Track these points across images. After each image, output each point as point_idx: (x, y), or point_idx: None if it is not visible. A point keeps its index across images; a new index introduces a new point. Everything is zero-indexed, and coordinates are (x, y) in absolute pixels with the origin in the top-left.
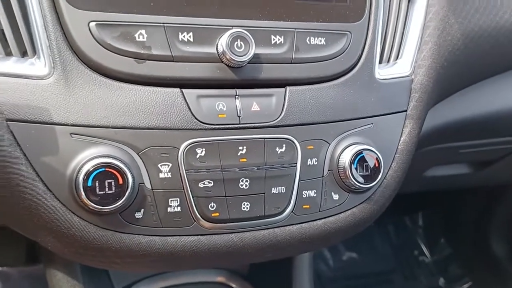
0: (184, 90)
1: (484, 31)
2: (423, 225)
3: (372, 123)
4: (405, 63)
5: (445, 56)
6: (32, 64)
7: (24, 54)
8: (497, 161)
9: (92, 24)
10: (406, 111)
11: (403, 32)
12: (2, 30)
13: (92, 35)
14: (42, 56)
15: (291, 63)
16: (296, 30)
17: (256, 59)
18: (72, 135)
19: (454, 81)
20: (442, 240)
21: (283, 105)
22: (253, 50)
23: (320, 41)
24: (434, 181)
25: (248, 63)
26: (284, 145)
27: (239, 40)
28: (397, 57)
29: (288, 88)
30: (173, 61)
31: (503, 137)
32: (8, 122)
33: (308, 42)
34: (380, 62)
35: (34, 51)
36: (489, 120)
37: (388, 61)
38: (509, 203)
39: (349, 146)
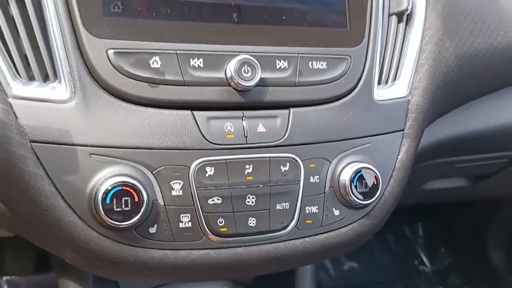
0: (195, 112)
1: (478, 53)
2: (423, 235)
3: (371, 142)
4: (402, 84)
5: (440, 77)
6: (54, 88)
7: (46, 78)
8: (493, 174)
9: (110, 51)
10: (403, 130)
11: (400, 55)
12: (25, 55)
13: (110, 62)
14: (63, 81)
15: (294, 86)
16: (299, 55)
17: (262, 83)
18: (91, 155)
19: (449, 101)
20: (442, 250)
21: (287, 125)
22: (259, 75)
23: (322, 65)
24: (432, 194)
25: (255, 86)
26: (288, 164)
27: (246, 65)
28: (394, 79)
29: (291, 109)
30: (185, 85)
31: (499, 152)
32: (32, 143)
33: (311, 66)
34: (379, 83)
35: (56, 76)
36: (484, 136)
37: (386, 82)
38: (505, 214)
39: (349, 164)
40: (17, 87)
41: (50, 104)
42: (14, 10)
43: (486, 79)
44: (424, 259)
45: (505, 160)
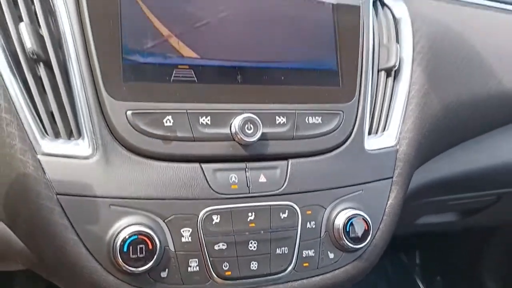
0: (203, 165)
1: (462, 101)
2: (420, 263)
3: (362, 189)
4: (391, 134)
5: (426, 127)
6: (77, 144)
7: (70, 134)
8: (484, 209)
9: (129, 112)
10: (392, 177)
11: (389, 107)
12: (52, 112)
13: (128, 121)
14: (86, 138)
15: (292, 139)
16: (296, 111)
17: (263, 137)
18: (111, 206)
19: (435, 147)
20: (438, 278)
21: (286, 175)
22: (260, 132)
23: (317, 120)
24: (425, 227)
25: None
26: (286, 211)
27: (249, 123)
28: (384, 129)
29: (290, 160)
30: (194, 141)
31: (488, 191)
32: (58, 196)
33: (307, 121)
34: (369, 133)
35: (79, 133)
36: (473, 176)
37: (376, 132)
38: (498, 242)
39: (343, 210)
40: (45, 145)
41: (74, 160)
42: (42, 72)
43: (472, 124)
44: (421, 287)
45: (493, 197)
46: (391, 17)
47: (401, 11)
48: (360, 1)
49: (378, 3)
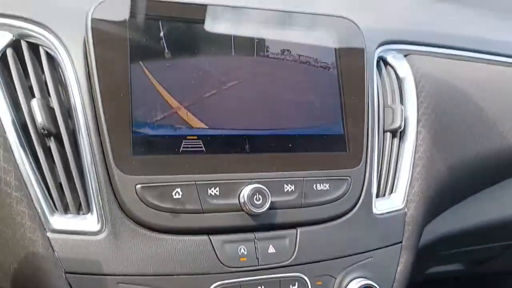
0: (211, 237)
1: (469, 159)
2: None
3: (372, 257)
4: (398, 197)
5: (432, 188)
6: (86, 219)
7: (79, 207)
8: (495, 257)
9: (138, 186)
10: (401, 242)
11: (396, 169)
12: (61, 185)
13: (137, 195)
14: (95, 212)
15: (300, 207)
16: (304, 179)
17: (272, 206)
18: (119, 284)
19: (442, 206)
20: None
21: (295, 245)
22: (269, 202)
23: (325, 186)
24: (435, 275)
25: None
26: (296, 283)
27: (257, 193)
28: (391, 191)
29: (298, 229)
30: (203, 213)
31: (497, 243)
32: (66, 274)
33: (315, 188)
34: (377, 196)
35: (88, 208)
36: (483, 229)
37: (384, 194)
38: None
39: (353, 280)
40: (55, 221)
41: (83, 236)
42: (52, 146)
43: (478, 181)
44: None
45: (500, 248)
46: (395, 77)
47: (404, 70)
48: (364, 63)
49: (381, 62)
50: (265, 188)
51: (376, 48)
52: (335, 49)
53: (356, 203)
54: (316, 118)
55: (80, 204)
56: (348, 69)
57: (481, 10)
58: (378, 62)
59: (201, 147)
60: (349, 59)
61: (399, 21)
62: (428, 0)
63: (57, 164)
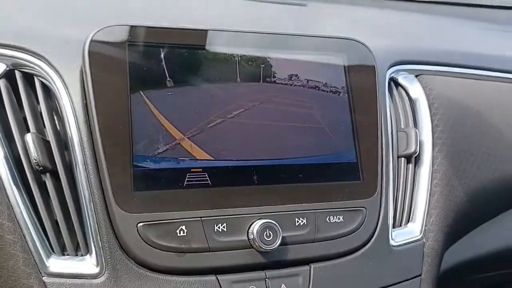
0: (219, 277)
1: (487, 185)
2: None
3: None
4: (416, 226)
5: (451, 216)
6: (84, 260)
7: (77, 247)
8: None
9: (140, 225)
10: (420, 275)
11: (411, 196)
12: (57, 223)
13: (139, 234)
14: (94, 253)
15: (313, 242)
16: (316, 211)
17: (283, 241)
18: None
19: (460, 233)
20: None
21: (309, 283)
22: (280, 238)
23: (339, 219)
24: None
25: None
26: None
27: (267, 229)
28: (408, 220)
29: (312, 265)
30: (210, 251)
31: None
32: None
33: (328, 221)
34: (393, 226)
35: (87, 249)
36: (500, 255)
37: (400, 224)
38: None
39: None
40: (51, 264)
41: (82, 280)
42: (48, 183)
43: (497, 204)
44: None
45: None
46: (407, 98)
47: (416, 91)
48: (376, 86)
49: (392, 84)
50: (275, 223)
51: (387, 69)
52: (345, 72)
53: (372, 235)
54: (327, 146)
55: (78, 244)
56: (360, 92)
57: (495, 26)
58: (389, 83)
59: (207, 180)
60: (360, 82)
61: (408, 40)
62: (438, 18)
63: (53, 202)
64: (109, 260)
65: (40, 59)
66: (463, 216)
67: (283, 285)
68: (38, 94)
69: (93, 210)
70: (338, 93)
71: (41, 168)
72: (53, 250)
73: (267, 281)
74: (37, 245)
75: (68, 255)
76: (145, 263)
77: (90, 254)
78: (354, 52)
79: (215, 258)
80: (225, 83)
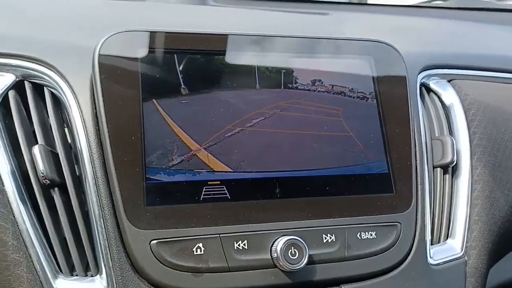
0: None
1: None
2: None
3: None
4: (456, 243)
5: (495, 231)
6: (93, 281)
7: (86, 267)
8: None
9: (153, 242)
10: None
11: (450, 210)
12: (65, 240)
13: (152, 253)
14: (104, 274)
15: (344, 261)
16: (346, 227)
17: (310, 261)
18: None
19: (504, 249)
20: None
21: None
22: (306, 257)
23: (371, 235)
24: None
25: None
26: None
27: (292, 247)
28: (447, 236)
29: (343, 287)
30: (229, 271)
31: None
32: None
33: (359, 238)
34: (431, 243)
35: (97, 268)
36: None
37: (439, 241)
38: None
39: None
40: (59, 285)
41: None
42: (56, 197)
43: None
44: None
45: None
46: (440, 105)
47: (450, 97)
48: (407, 91)
49: (424, 89)
50: (301, 241)
51: (418, 74)
52: (373, 77)
53: (408, 253)
54: (355, 155)
55: (88, 264)
56: (389, 98)
57: None
58: (420, 89)
59: (225, 194)
60: (390, 86)
61: (439, 44)
62: (468, 22)
63: (61, 219)
64: (120, 281)
65: (50, 69)
66: (508, 231)
67: None
68: (47, 105)
69: (103, 226)
70: (366, 99)
71: (49, 182)
72: (61, 270)
73: None
74: (43, 265)
75: (77, 275)
76: (160, 285)
77: (100, 274)
78: (382, 55)
79: (235, 278)
80: (243, 89)
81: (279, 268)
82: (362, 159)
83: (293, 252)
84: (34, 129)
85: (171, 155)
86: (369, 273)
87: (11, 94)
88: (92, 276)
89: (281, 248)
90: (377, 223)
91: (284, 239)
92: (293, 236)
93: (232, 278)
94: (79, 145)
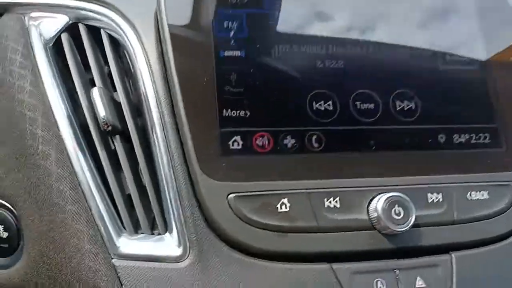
0: (334, 266)
1: None
2: None
3: None
4: None
5: None
6: (163, 240)
7: (153, 226)
8: None
9: (231, 196)
10: None
11: None
12: (129, 194)
13: (231, 208)
14: (175, 232)
15: (453, 224)
16: (454, 185)
17: (414, 223)
18: None
19: None
20: None
21: (452, 277)
22: (413, 218)
23: (483, 195)
24: None
25: None
26: None
27: (396, 206)
28: None
29: (453, 254)
30: (319, 232)
31: None
32: None
33: (470, 198)
34: None
35: (166, 226)
36: None
37: None
38: None
39: None
40: (122, 244)
41: (160, 263)
42: (118, 147)
43: None
44: None
45: None
46: None
47: None
48: None
49: None
50: (407, 198)
51: None
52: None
53: None
54: (459, 104)
55: (155, 221)
56: (496, 38)
57: None
58: None
59: (312, 145)
60: (495, 23)
61: None
62: None
63: (124, 170)
64: (194, 240)
65: (109, 8)
66: None
67: (418, 277)
68: (106, 48)
69: (172, 178)
70: (469, 41)
71: (110, 128)
72: (124, 228)
73: (397, 273)
74: (105, 220)
75: (142, 233)
76: (239, 245)
77: (170, 232)
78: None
79: (327, 241)
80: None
81: (378, 230)
82: (466, 109)
83: (397, 211)
84: (90, 76)
85: None
86: (484, 239)
87: (64, 36)
88: (159, 234)
89: (382, 207)
90: (490, 181)
91: (385, 195)
92: (397, 193)
93: (323, 240)
94: (143, 90)
